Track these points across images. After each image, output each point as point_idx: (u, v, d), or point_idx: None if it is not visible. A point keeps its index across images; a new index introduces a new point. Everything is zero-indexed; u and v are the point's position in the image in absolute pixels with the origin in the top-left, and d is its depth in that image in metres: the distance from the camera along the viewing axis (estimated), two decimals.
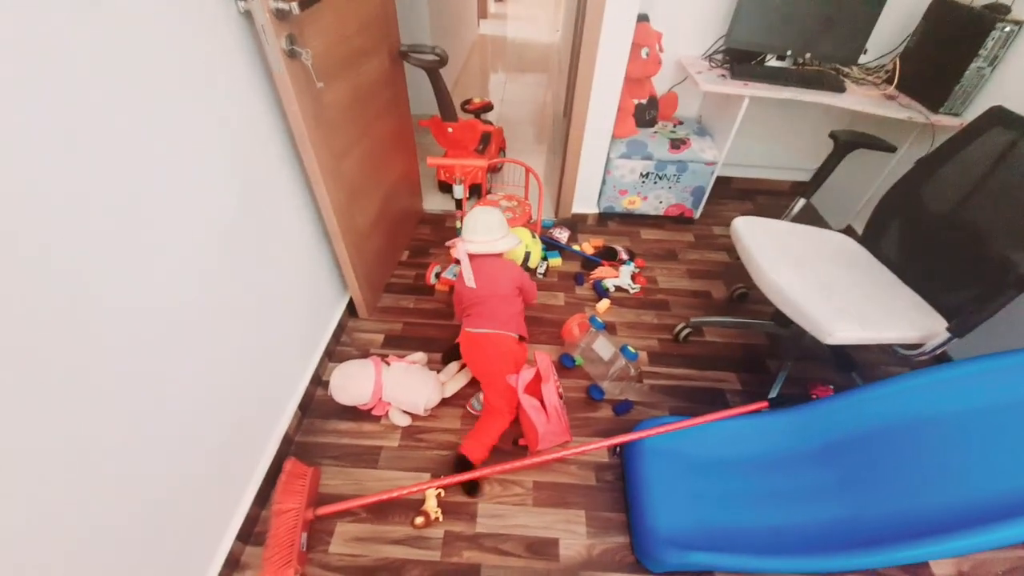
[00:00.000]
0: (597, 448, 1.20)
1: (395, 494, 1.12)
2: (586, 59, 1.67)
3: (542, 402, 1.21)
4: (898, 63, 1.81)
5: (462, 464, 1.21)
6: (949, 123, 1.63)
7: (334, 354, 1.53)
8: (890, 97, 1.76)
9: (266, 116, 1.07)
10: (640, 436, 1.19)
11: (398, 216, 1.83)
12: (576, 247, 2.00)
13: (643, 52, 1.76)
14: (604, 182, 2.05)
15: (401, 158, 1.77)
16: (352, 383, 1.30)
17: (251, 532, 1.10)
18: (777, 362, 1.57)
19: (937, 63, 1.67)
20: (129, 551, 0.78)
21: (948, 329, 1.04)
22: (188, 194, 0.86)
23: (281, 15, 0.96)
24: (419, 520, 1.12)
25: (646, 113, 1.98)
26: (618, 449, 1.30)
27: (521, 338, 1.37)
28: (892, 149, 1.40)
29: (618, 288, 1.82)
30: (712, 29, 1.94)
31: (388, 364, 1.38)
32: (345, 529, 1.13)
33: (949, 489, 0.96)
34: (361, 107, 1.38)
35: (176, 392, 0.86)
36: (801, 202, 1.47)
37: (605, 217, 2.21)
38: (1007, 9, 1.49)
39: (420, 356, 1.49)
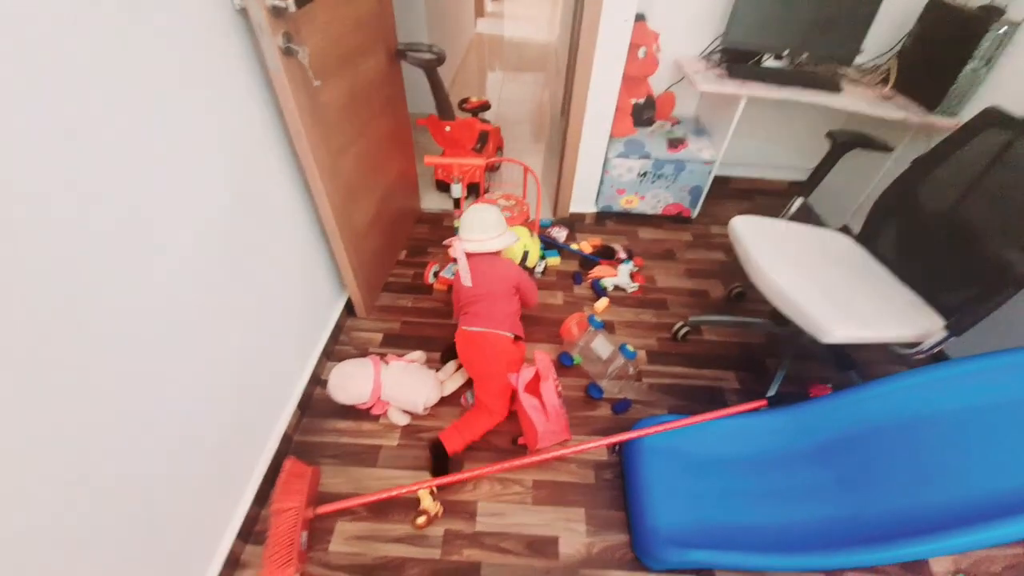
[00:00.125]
0: (596, 447, 1.20)
1: (395, 493, 1.12)
2: (584, 58, 1.67)
3: (541, 401, 1.21)
4: (894, 63, 1.82)
5: (437, 449, 1.22)
6: (945, 123, 1.64)
7: (333, 353, 1.52)
8: (886, 97, 1.77)
9: (263, 115, 1.07)
10: (639, 435, 1.20)
11: (396, 215, 1.83)
12: (574, 246, 2.00)
13: (640, 52, 1.76)
14: (602, 181, 2.05)
15: (399, 157, 1.77)
16: (351, 382, 1.30)
17: (251, 531, 1.10)
18: (775, 361, 1.57)
19: (933, 64, 1.68)
20: (129, 550, 0.78)
21: (945, 328, 1.05)
22: (185, 194, 0.85)
23: (277, 12, 0.95)
24: (421, 520, 1.12)
25: (644, 113, 1.99)
26: (617, 448, 1.30)
27: (517, 338, 1.37)
28: (889, 149, 1.41)
29: (616, 287, 1.82)
30: (709, 29, 1.94)
31: (387, 363, 1.37)
32: (345, 528, 1.13)
33: (947, 487, 0.97)
34: (358, 106, 1.37)
35: (175, 392, 0.86)
36: (799, 201, 1.47)
37: (603, 216, 2.22)
38: (1002, 11, 1.50)
39: (419, 355, 1.49)
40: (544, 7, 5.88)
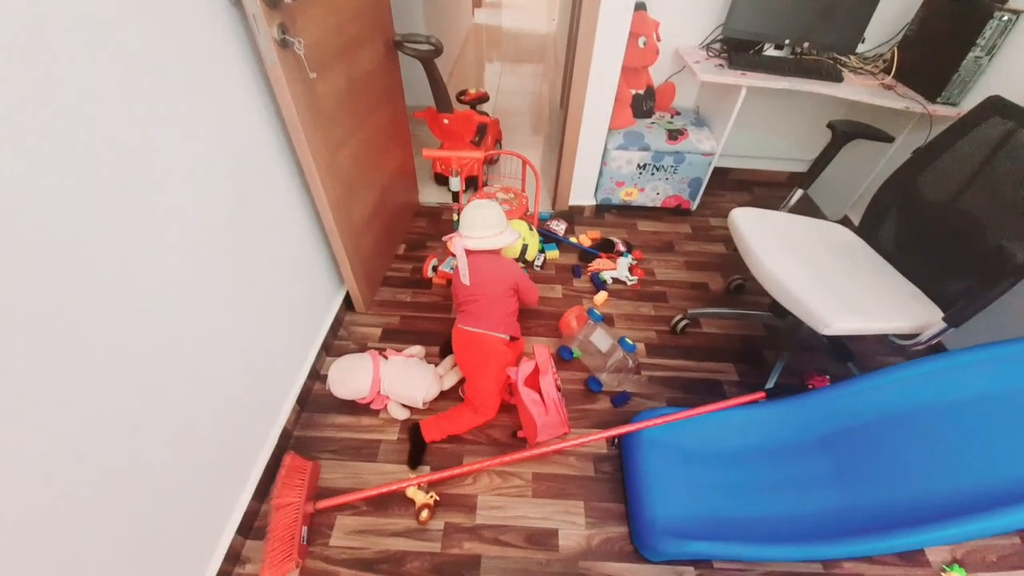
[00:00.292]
0: (595, 439, 1.20)
1: (395, 487, 1.12)
2: (583, 49, 1.65)
3: (540, 394, 1.21)
4: (896, 52, 1.81)
5: (415, 434, 1.25)
6: (946, 113, 1.63)
7: (332, 348, 1.52)
8: (888, 87, 1.76)
9: (259, 108, 1.06)
10: (638, 427, 1.20)
11: (394, 209, 1.82)
12: (573, 239, 1.99)
13: (640, 41, 1.74)
14: (601, 174, 2.04)
15: (396, 150, 1.76)
16: (350, 377, 1.30)
17: (251, 526, 1.10)
18: (774, 353, 1.58)
19: (935, 52, 1.66)
20: (130, 546, 0.78)
21: (944, 319, 1.05)
22: (182, 189, 0.85)
23: (272, 3, 0.94)
24: (424, 515, 1.12)
25: (643, 104, 1.97)
26: (616, 440, 1.31)
27: (514, 338, 1.36)
28: (890, 139, 1.40)
29: (616, 280, 1.82)
30: (710, 18, 1.92)
31: (386, 358, 1.37)
32: (345, 522, 1.13)
33: (944, 478, 0.98)
34: (355, 98, 1.36)
35: (174, 389, 0.86)
36: (799, 193, 1.46)
37: (602, 209, 2.21)
38: None
39: (418, 350, 1.49)
40: None
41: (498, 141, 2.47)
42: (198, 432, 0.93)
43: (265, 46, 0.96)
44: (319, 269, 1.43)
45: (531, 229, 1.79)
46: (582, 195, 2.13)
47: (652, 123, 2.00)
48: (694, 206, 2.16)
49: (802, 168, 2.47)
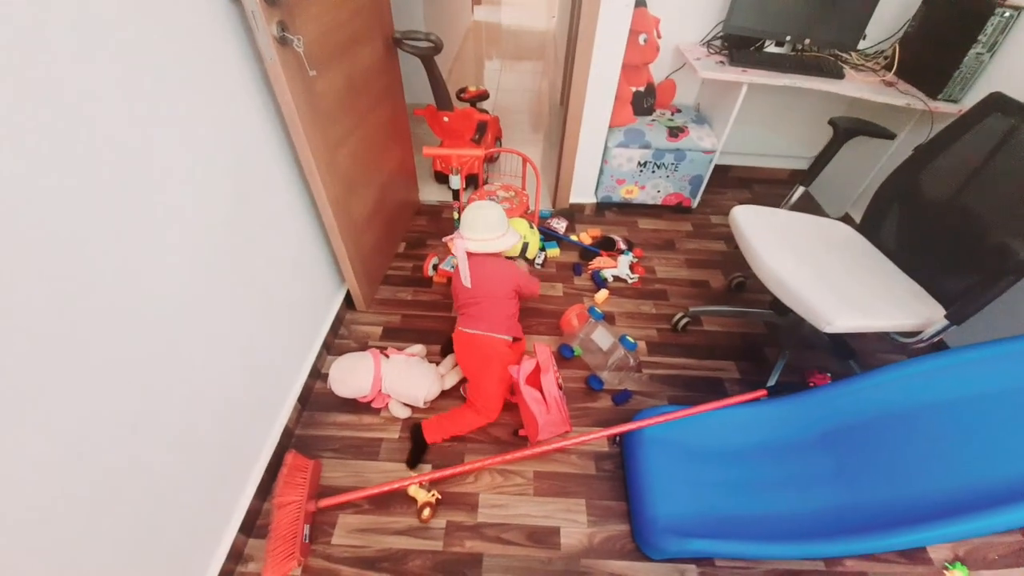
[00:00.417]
0: (597, 438, 1.20)
1: (396, 485, 1.12)
2: (583, 46, 1.65)
3: (542, 393, 1.21)
4: (897, 49, 1.80)
5: (416, 434, 1.24)
6: (948, 110, 1.62)
7: (333, 347, 1.52)
8: (889, 83, 1.75)
9: (259, 107, 1.05)
10: (639, 425, 1.20)
11: (394, 207, 1.82)
12: (574, 237, 1.99)
13: (641, 38, 1.73)
14: (601, 171, 2.04)
15: (396, 148, 1.75)
16: (351, 376, 1.30)
17: (253, 525, 1.10)
18: (775, 351, 1.57)
19: (936, 49, 1.66)
20: (131, 545, 0.78)
21: (946, 316, 1.05)
22: (181, 188, 0.84)
23: (271, 0, 0.93)
24: (426, 513, 1.12)
25: (644, 101, 1.97)
26: (618, 439, 1.31)
27: (515, 339, 1.36)
28: (891, 136, 1.40)
29: (616, 278, 1.81)
30: (710, 15, 1.92)
31: (387, 356, 1.37)
32: (347, 521, 1.13)
33: (946, 475, 0.98)
34: (355, 96, 1.35)
35: (174, 388, 0.85)
36: (800, 190, 1.46)
37: (603, 207, 2.21)
38: None
39: (419, 348, 1.49)
40: None
41: (498, 139, 2.46)
42: (199, 431, 0.93)
43: (264, 44, 0.96)
44: (319, 268, 1.43)
45: (532, 227, 1.79)
46: (583, 193, 2.12)
47: (653, 120, 1.99)
48: (695, 204, 2.15)
49: (803, 165, 2.47)
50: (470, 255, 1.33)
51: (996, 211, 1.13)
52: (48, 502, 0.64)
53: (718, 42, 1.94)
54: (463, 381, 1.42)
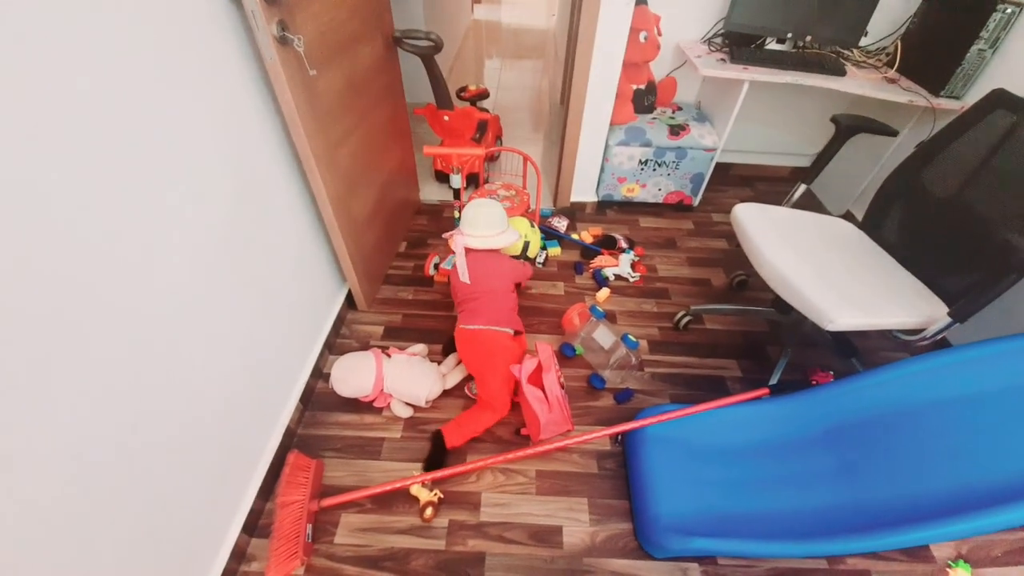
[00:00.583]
0: (599, 436, 1.20)
1: (399, 485, 1.12)
2: (583, 44, 1.64)
3: (544, 392, 1.21)
4: (899, 46, 1.79)
5: (437, 441, 1.23)
6: (950, 106, 1.61)
7: (334, 346, 1.52)
8: (891, 80, 1.75)
9: (259, 106, 1.05)
10: (641, 424, 1.20)
11: (395, 206, 1.82)
12: (575, 236, 1.99)
13: (641, 36, 1.73)
14: (602, 170, 2.03)
15: (397, 147, 1.75)
16: (353, 375, 1.30)
17: (256, 524, 1.10)
18: (777, 349, 1.57)
19: (938, 46, 1.65)
20: (134, 544, 0.78)
21: (949, 314, 1.04)
22: (181, 188, 0.84)
23: (271, 0, 0.93)
24: (428, 512, 1.12)
25: (644, 99, 1.96)
26: (620, 437, 1.30)
27: (517, 333, 1.36)
28: (894, 133, 1.39)
29: (618, 277, 1.81)
30: (711, 12, 1.91)
31: (389, 356, 1.37)
32: (350, 520, 1.13)
33: (949, 474, 0.97)
34: (355, 95, 1.35)
35: (176, 388, 0.85)
36: (802, 188, 1.46)
37: (604, 205, 2.20)
38: None
39: (421, 348, 1.49)
40: None
41: (498, 138, 2.46)
42: (200, 431, 0.93)
43: (264, 43, 0.96)
44: (320, 267, 1.43)
45: (533, 226, 1.78)
46: (583, 191, 2.12)
47: (654, 119, 1.99)
48: (696, 202, 2.15)
49: (804, 163, 2.46)
50: (468, 251, 1.34)
51: (999, 208, 1.12)
52: (49, 502, 0.64)
53: (719, 39, 1.93)
54: (465, 380, 1.42)
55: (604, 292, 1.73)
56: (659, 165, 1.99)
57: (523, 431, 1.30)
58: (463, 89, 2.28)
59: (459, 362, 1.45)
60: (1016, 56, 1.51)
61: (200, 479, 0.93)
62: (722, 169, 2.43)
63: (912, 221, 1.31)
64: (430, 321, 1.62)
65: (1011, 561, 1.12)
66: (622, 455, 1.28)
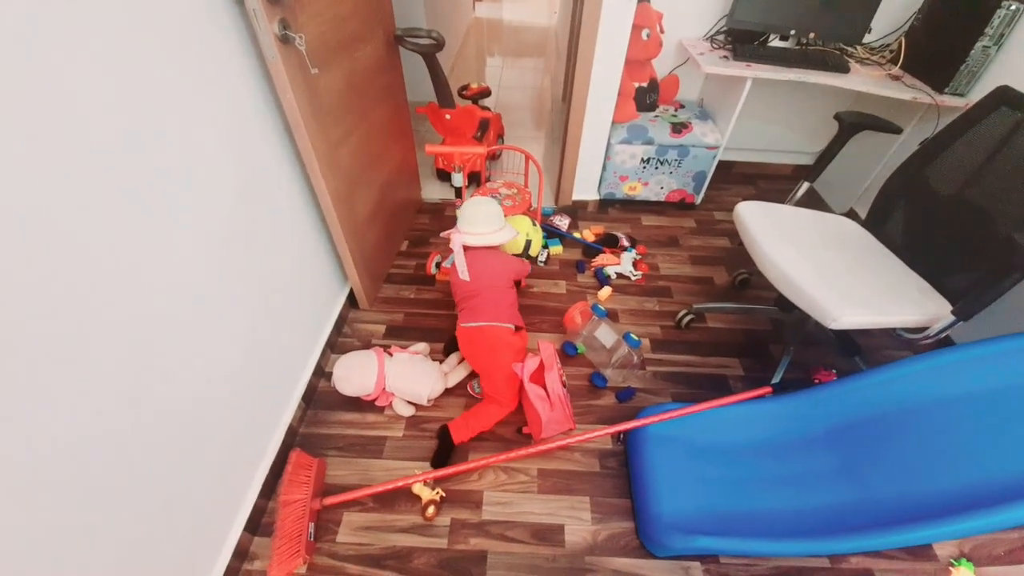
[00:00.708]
0: (601, 435, 1.20)
1: (400, 483, 1.13)
2: (586, 41, 1.64)
3: (546, 390, 1.21)
4: (903, 42, 1.78)
5: (443, 437, 1.24)
6: (954, 103, 1.61)
7: (336, 345, 1.52)
8: (895, 77, 1.74)
9: (260, 105, 1.05)
10: (644, 423, 1.20)
11: (397, 205, 1.82)
12: (577, 234, 1.98)
13: (644, 33, 1.72)
14: (604, 168, 2.03)
15: (399, 146, 1.75)
16: (355, 374, 1.30)
17: (259, 523, 1.11)
18: (780, 347, 1.57)
19: (942, 42, 1.64)
20: (137, 543, 0.78)
21: (953, 312, 1.04)
22: (182, 188, 0.84)
23: None
24: (430, 511, 1.12)
25: (647, 97, 1.95)
26: (622, 436, 1.30)
27: (518, 328, 1.36)
28: (898, 130, 1.38)
29: (620, 275, 1.81)
30: (714, 9, 1.90)
31: (391, 355, 1.37)
32: (352, 519, 1.14)
33: (952, 472, 0.97)
34: (357, 94, 1.35)
35: (178, 388, 0.86)
36: (805, 186, 1.45)
37: (606, 204, 2.20)
38: None
39: (423, 347, 1.49)
40: None
41: (500, 136, 2.46)
42: (202, 431, 0.93)
43: (266, 42, 0.96)
44: (322, 266, 1.43)
45: (534, 225, 1.78)
46: (585, 190, 2.11)
47: (656, 116, 1.98)
48: (698, 200, 2.14)
49: (806, 161, 2.45)
50: (466, 249, 1.34)
51: (1004, 206, 1.12)
52: (50, 501, 0.64)
53: (721, 37, 1.92)
54: (468, 378, 1.42)
55: (606, 291, 1.73)
56: (661, 163, 1.99)
57: (525, 430, 1.30)
58: (465, 87, 2.27)
59: (461, 360, 1.46)
60: (1021, 53, 1.50)
61: (202, 478, 0.93)
62: (724, 167, 2.42)
63: (916, 219, 1.31)
64: (432, 320, 1.62)
65: (1014, 560, 1.12)
66: (624, 454, 1.28)
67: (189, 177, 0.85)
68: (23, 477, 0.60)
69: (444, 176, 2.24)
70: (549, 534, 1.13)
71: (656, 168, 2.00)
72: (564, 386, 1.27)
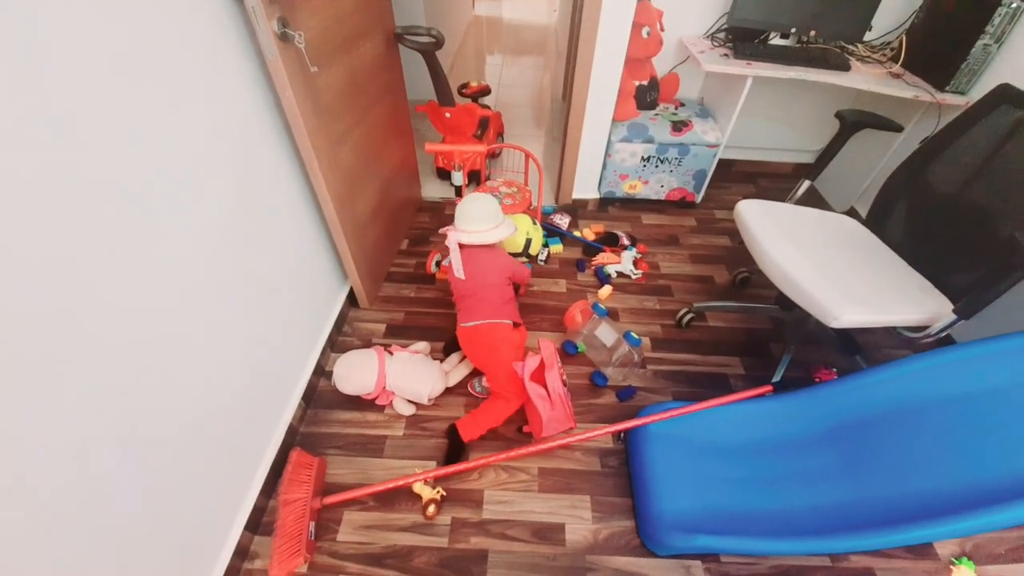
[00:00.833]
0: (601, 434, 1.20)
1: (401, 482, 1.12)
2: (586, 40, 1.63)
3: (546, 389, 1.21)
4: (904, 40, 1.78)
5: (453, 437, 1.24)
6: (955, 102, 1.60)
7: (336, 344, 1.52)
8: (896, 75, 1.73)
9: (259, 103, 1.05)
10: (644, 422, 1.20)
11: (397, 204, 1.81)
12: (577, 233, 1.98)
13: (644, 31, 1.72)
14: (605, 166, 2.03)
15: (398, 145, 1.74)
16: (355, 373, 1.30)
17: (259, 522, 1.11)
18: (780, 346, 1.57)
19: (943, 40, 1.64)
20: (138, 542, 0.78)
21: (954, 311, 1.04)
22: (182, 186, 0.84)
23: None
24: (431, 510, 1.12)
25: (647, 95, 1.95)
26: (622, 435, 1.30)
27: (516, 324, 1.36)
28: (899, 129, 1.38)
29: (620, 274, 1.81)
30: (714, 7, 1.90)
31: (391, 354, 1.37)
32: (353, 517, 1.13)
33: (953, 471, 0.97)
34: (357, 92, 1.34)
35: (178, 387, 0.85)
36: (805, 184, 1.45)
37: (606, 202, 2.19)
38: None
39: (423, 345, 1.49)
40: None
41: (500, 134, 2.45)
42: (202, 430, 0.93)
43: (265, 40, 0.95)
44: (322, 265, 1.43)
45: (534, 223, 1.78)
46: (586, 188, 2.11)
47: (656, 115, 1.98)
48: (699, 199, 2.14)
49: (807, 159, 2.45)
50: (462, 247, 1.33)
51: (1005, 204, 1.11)
52: (50, 501, 0.64)
53: (722, 35, 1.92)
54: (468, 377, 1.42)
55: (606, 289, 1.73)
56: (661, 162, 1.98)
57: (525, 428, 1.30)
58: (464, 85, 2.27)
59: (461, 359, 1.45)
60: (1022, 51, 1.50)
61: (202, 477, 0.93)
62: (725, 165, 2.42)
63: (917, 217, 1.31)
64: (432, 319, 1.62)
65: (1015, 558, 1.12)
66: (624, 453, 1.28)
67: (187, 175, 0.85)
68: (23, 477, 0.60)
69: (444, 175, 2.24)
70: (550, 533, 1.13)
71: (656, 166, 2.00)
72: (565, 385, 1.27)
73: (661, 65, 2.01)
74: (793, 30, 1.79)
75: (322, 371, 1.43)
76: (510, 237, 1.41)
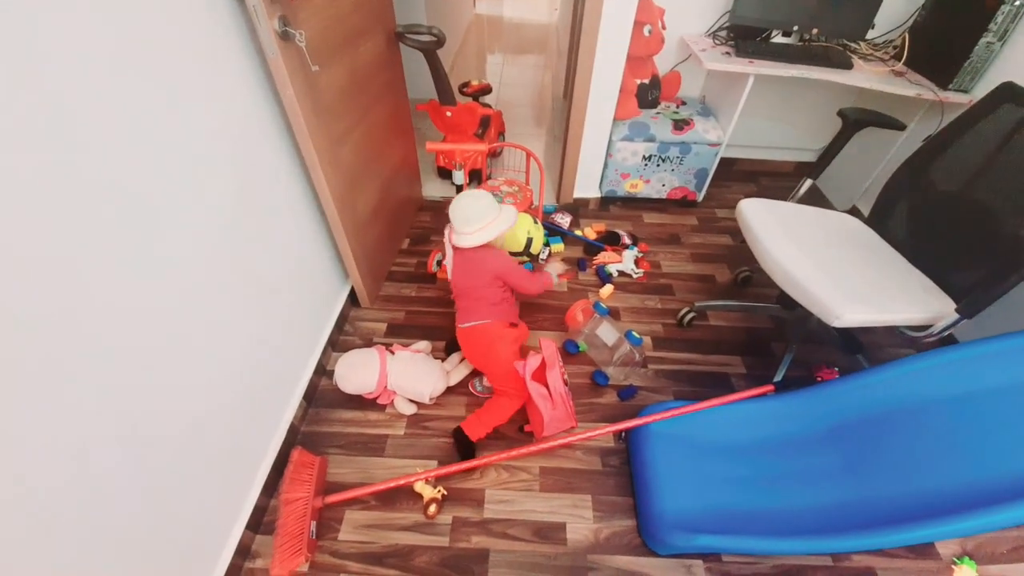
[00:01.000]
0: (603, 433, 1.20)
1: (402, 481, 1.12)
2: (587, 38, 1.63)
3: (547, 389, 1.20)
4: (907, 38, 1.77)
5: (460, 438, 1.23)
6: (958, 100, 1.60)
7: (337, 343, 1.52)
8: (898, 73, 1.73)
9: (260, 102, 1.04)
10: (645, 421, 1.20)
11: (398, 203, 1.81)
12: (578, 232, 1.98)
13: (645, 30, 1.71)
14: (606, 165, 2.02)
15: (399, 143, 1.74)
16: (356, 372, 1.30)
17: (260, 521, 1.11)
18: (782, 345, 1.56)
19: (946, 38, 1.63)
20: (140, 541, 0.78)
21: (957, 310, 1.03)
22: (183, 186, 0.84)
23: None
24: (432, 509, 1.12)
25: (648, 93, 1.94)
26: (623, 434, 1.30)
27: (512, 324, 1.35)
28: (902, 127, 1.37)
29: (621, 273, 1.80)
30: (716, 5, 1.89)
31: (392, 353, 1.37)
32: (354, 517, 1.14)
33: (954, 470, 0.97)
34: (358, 91, 1.34)
35: (179, 387, 0.85)
36: (807, 183, 1.44)
37: (607, 201, 2.19)
38: None
39: (424, 345, 1.49)
40: None
41: (501, 133, 2.45)
42: (203, 430, 0.93)
43: (266, 39, 0.95)
44: (323, 264, 1.43)
45: (536, 222, 1.78)
46: (587, 187, 2.11)
47: (657, 113, 1.97)
48: (700, 197, 2.13)
49: (809, 158, 2.44)
50: (455, 249, 1.32)
51: (1008, 203, 1.11)
52: (51, 500, 0.64)
53: (724, 33, 1.91)
54: (469, 376, 1.42)
55: (608, 288, 1.72)
56: (663, 160, 1.98)
57: (527, 428, 1.30)
58: (465, 84, 2.26)
59: (463, 359, 1.45)
60: None
61: (203, 477, 0.93)
62: (726, 164, 2.41)
63: (919, 216, 1.30)
64: (433, 318, 1.62)
65: (1016, 558, 1.12)
66: (626, 452, 1.28)
67: (187, 175, 0.85)
68: (23, 477, 0.60)
69: (445, 174, 2.23)
70: (551, 532, 1.13)
71: (658, 165, 2.00)
72: (566, 384, 1.27)
73: (662, 63, 2.01)
74: (795, 28, 1.79)
75: (323, 370, 1.43)
76: (511, 236, 1.40)
